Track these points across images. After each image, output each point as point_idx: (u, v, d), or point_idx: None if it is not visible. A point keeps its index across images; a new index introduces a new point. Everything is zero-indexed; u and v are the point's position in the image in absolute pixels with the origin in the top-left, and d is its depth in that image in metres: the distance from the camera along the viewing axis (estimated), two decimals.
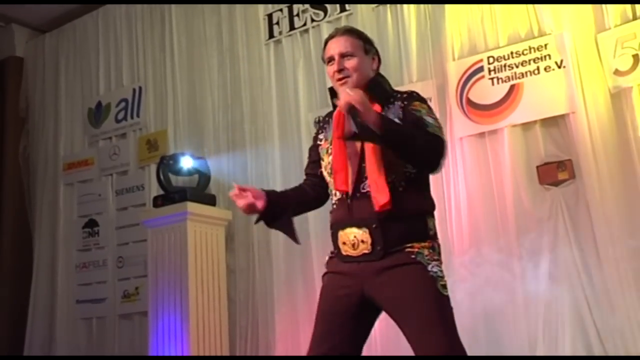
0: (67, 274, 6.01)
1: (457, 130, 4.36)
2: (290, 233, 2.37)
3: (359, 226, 2.22)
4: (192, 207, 4.90)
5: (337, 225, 2.30)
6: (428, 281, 2.16)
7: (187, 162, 5.09)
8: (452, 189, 4.33)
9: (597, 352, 3.71)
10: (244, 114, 5.32)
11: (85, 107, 6.30)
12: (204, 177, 5.20)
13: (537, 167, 4.09)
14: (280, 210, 2.34)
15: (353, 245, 2.23)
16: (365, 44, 2.39)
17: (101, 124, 6.17)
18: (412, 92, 2.37)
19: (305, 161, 2.59)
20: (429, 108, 2.30)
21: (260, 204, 2.30)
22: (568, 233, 3.93)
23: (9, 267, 6.30)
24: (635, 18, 3.90)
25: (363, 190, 2.24)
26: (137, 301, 5.50)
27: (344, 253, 2.26)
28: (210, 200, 5.12)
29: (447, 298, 2.19)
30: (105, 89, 6.23)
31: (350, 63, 2.33)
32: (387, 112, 2.26)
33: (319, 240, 4.53)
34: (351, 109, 2.07)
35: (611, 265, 3.76)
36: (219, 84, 5.51)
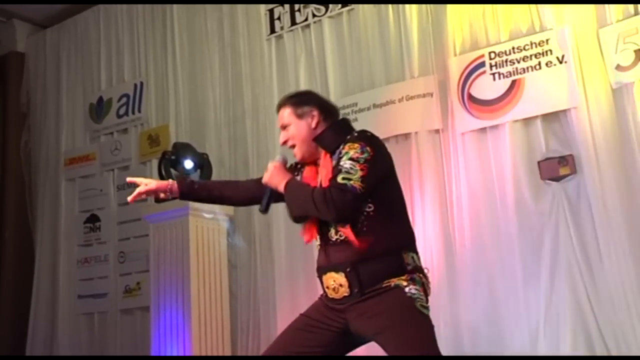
0: (68, 269, 6.03)
1: (458, 125, 4.36)
2: None
3: (336, 270, 2.30)
4: (194, 203, 4.90)
5: (320, 271, 2.39)
6: (406, 301, 2.21)
7: (188, 164, 5.07)
8: (453, 185, 4.33)
9: (598, 347, 3.72)
10: (245, 110, 5.32)
11: (86, 102, 6.31)
12: (205, 173, 5.20)
13: (539, 162, 4.09)
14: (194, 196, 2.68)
15: (334, 289, 2.31)
16: (297, 109, 2.46)
17: (102, 119, 6.18)
18: (357, 132, 2.37)
19: None
20: (362, 147, 2.26)
21: (163, 195, 2.61)
22: (569, 228, 3.93)
23: (10, 262, 6.32)
24: (637, 13, 3.88)
25: (332, 239, 2.32)
26: (139, 296, 5.51)
27: (329, 296, 2.35)
28: None
29: (428, 317, 2.25)
30: (106, 84, 6.24)
31: (288, 134, 2.47)
32: (334, 159, 2.33)
33: None
34: (267, 187, 2.43)
35: (612, 261, 3.76)
36: (221, 79, 5.50)
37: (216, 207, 5.06)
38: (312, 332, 2.34)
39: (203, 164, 5.19)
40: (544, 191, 4.06)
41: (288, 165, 2.52)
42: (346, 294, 2.27)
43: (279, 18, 5.22)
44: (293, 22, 5.15)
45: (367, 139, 2.32)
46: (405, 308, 2.20)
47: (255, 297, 5.00)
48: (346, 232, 2.25)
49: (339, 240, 2.29)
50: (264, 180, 2.43)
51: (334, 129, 2.43)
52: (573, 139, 3.99)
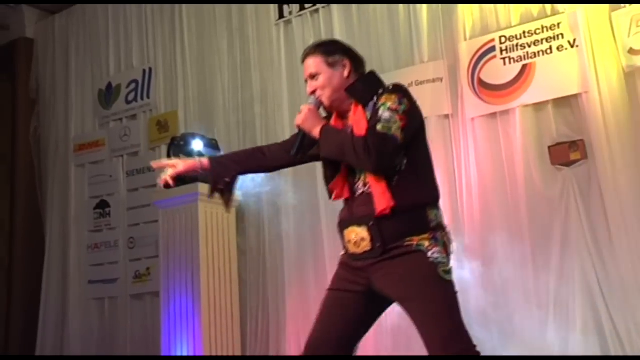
0: (78, 255, 6.05)
1: (468, 110, 4.34)
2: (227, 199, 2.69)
3: (359, 224, 2.26)
4: (203, 188, 4.88)
5: (342, 225, 2.35)
6: (429, 267, 2.17)
7: (197, 145, 5.07)
8: (463, 170, 4.32)
9: (608, 332, 3.71)
10: (254, 95, 5.31)
11: (95, 88, 6.31)
12: None
13: (549, 147, 4.07)
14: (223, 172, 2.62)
15: (355, 243, 2.27)
16: (328, 58, 2.39)
17: (111, 105, 6.18)
18: (390, 85, 2.33)
19: None
20: (399, 98, 2.24)
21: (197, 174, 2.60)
22: (579, 213, 3.92)
23: (21, 248, 6.35)
24: None
25: (359, 191, 2.29)
26: (149, 282, 5.53)
27: (350, 251, 2.31)
28: None
29: (450, 283, 2.20)
30: (115, 70, 6.24)
31: (317, 83, 2.38)
32: (367, 111, 2.29)
33: (330, 221, 4.52)
34: (300, 129, 2.34)
35: (623, 246, 3.75)
36: (229, 65, 5.49)
37: None
38: (344, 305, 2.30)
39: (212, 149, 5.19)
40: (555, 176, 4.04)
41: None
42: (367, 249, 2.23)
43: (287, 3, 5.19)
44: (302, 7, 5.12)
45: (404, 92, 2.29)
46: (428, 277, 2.16)
47: (265, 282, 5.01)
48: (377, 186, 2.20)
49: (365, 193, 2.26)
50: (297, 122, 2.34)
51: (366, 81, 2.39)
52: (584, 124, 3.97)
